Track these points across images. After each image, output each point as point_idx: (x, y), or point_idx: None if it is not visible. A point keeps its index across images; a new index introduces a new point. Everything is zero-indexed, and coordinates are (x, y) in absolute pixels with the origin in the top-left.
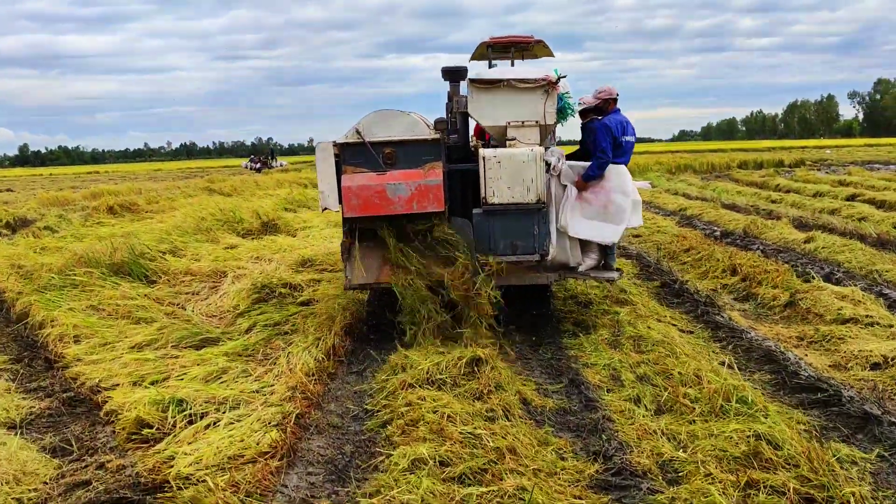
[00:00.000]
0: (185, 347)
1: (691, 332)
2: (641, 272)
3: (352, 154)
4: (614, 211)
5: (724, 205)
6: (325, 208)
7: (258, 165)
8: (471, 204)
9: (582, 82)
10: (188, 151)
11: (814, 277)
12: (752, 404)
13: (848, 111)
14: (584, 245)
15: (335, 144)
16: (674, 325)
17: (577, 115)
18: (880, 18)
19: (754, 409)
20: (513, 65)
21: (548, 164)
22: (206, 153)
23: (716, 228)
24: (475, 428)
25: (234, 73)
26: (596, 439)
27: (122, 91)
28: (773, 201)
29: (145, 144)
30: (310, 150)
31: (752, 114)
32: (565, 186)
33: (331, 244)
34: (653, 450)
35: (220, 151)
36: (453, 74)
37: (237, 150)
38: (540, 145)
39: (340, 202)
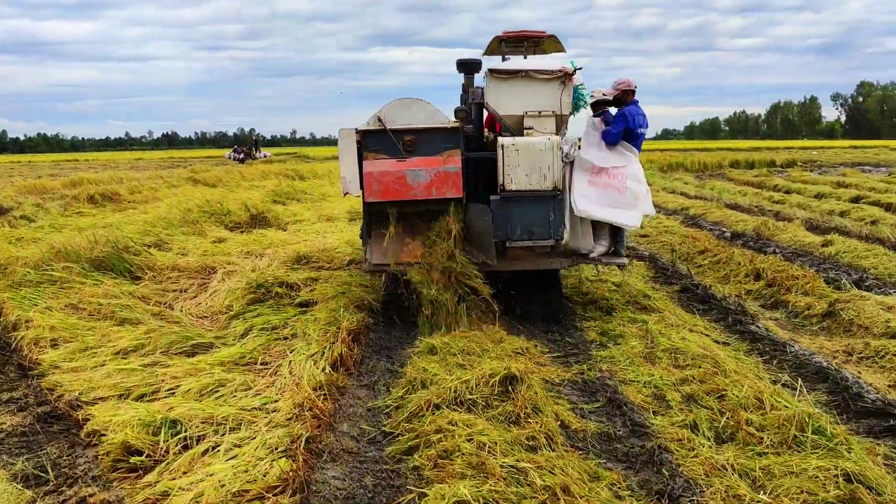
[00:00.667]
0: (176, 354)
1: (727, 344)
2: (658, 275)
3: (373, 141)
4: (630, 196)
5: (728, 205)
6: (347, 193)
7: (241, 156)
8: (485, 191)
9: None
10: (170, 141)
11: (847, 285)
12: (830, 436)
13: (830, 113)
14: (596, 233)
15: (357, 131)
16: (706, 335)
17: (588, 108)
18: (863, 21)
19: (833, 441)
20: (525, 58)
21: (563, 153)
22: (188, 143)
23: (724, 229)
24: (518, 460)
25: (217, 64)
26: (654, 473)
27: (103, 79)
28: (777, 202)
29: (126, 133)
30: (292, 141)
31: (735, 114)
32: (575, 169)
33: (325, 239)
34: (727, 490)
35: (203, 142)
36: (468, 67)
37: (220, 140)
38: (556, 134)
39: (362, 187)
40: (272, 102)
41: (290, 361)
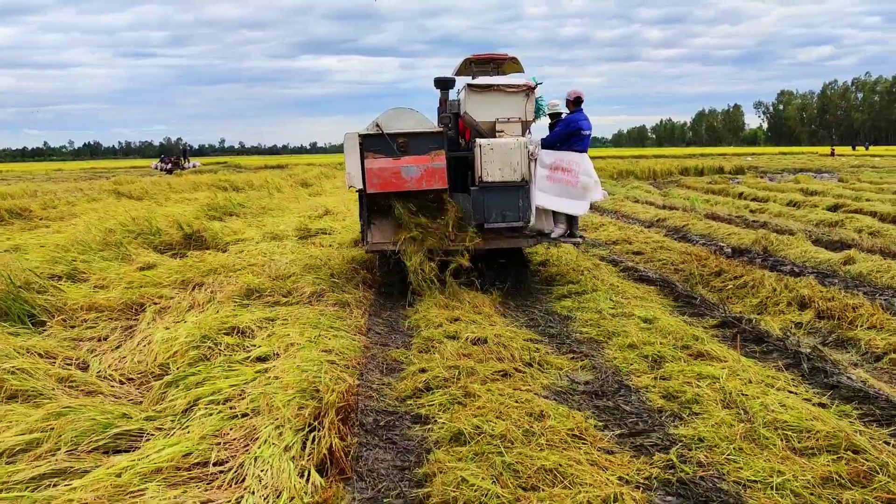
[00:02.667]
0: (90, 452)
1: (824, 406)
2: (682, 305)
3: (372, 143)
4: (581, 189)
5: (707, 215)
6: (351, 186)
7: (169, 166)
8: (464, 184)
9: None
10: (92, 151)
11: None
12: None
13: (753, 120)
14: (556, 217)
15: (359, 135)
16: (791, 391)
17: (546, 116)
18: (777, 33)
19: None
20: (492, 76)
21: (528, 151)
22: (111, 153)
23: (721, 243)
24: None
25: (142, 71)
26: None
27: (20, 86)
28: (754, 211)
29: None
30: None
31: (661, 122)
32: (537, 166)
33: (276, 264)
34: None
35: (127, 151)
36: (444, 84)
37: (145, 150)
38: (522, 136)
39: (364, 181)
40: (199, 111)
41: (257, 458)
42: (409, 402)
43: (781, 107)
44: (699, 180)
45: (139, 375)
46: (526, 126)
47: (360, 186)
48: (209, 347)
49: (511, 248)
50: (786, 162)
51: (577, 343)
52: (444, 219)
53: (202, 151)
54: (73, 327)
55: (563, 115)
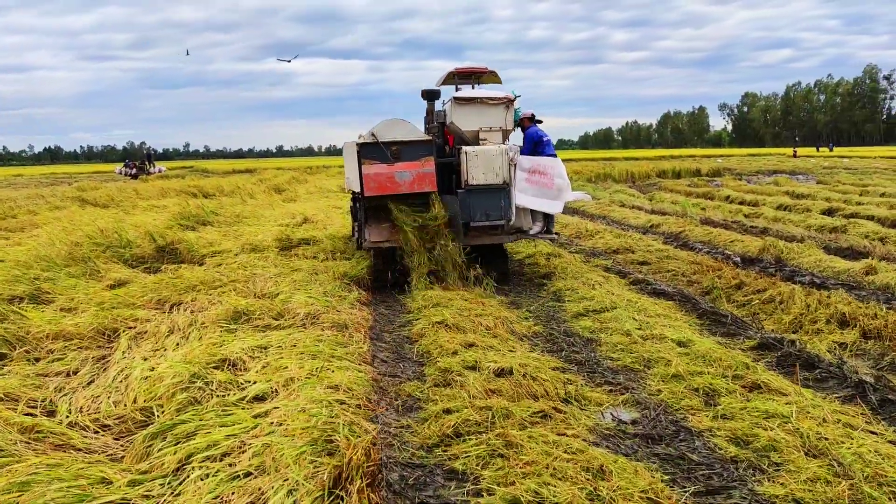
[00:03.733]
0: None
1: None
2: (711, 323)
3: (369, 151)
4: (556, 190)
5: (703, 220)
6: (350, 189)
7: (134, 171)
8: (450, 186)
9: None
10: (53, 156)
11: None
12: None
13: (717, 122)
14: (533, 216)
15: (357, 144)
16: (872, 431)
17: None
18: (738, 37)
19: None
20: (473, 88)
21: (509, 157)
22: (72, 157)
23: (726, 252)
24: None
25: (104, 74)
26: None
27: None
28: (747, 216)
29: (3, 148)
30: (185, 154)
31: (627, 124)
32: (517, 170)
33: (262, 280)
34: None
35: (89, 156)
36: (431, 95)
37: (108, 154)
38: (503, 144)
39: (361, 185)
40: (163, 114)
41: None
42: (437, 452)
43: (746, 109)
44: (679, 183)
45: (117, 422)
46: (506, 134)
47: (359, 190)
48: (199, 387)
49: (494, 244)
50: (757, 163)
51: (612, 372)
52: (434, 218)
53: (166, 155)
54: (37, 360)
55: (521, 126)
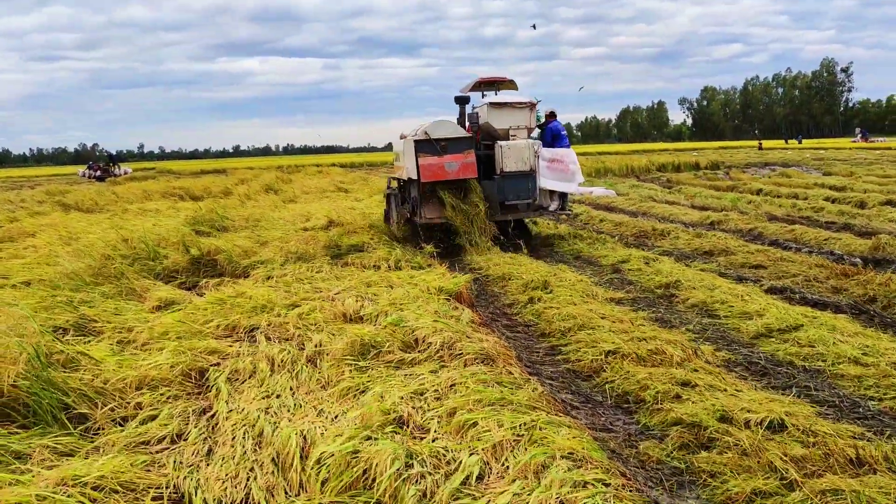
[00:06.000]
0: None
1: None
2: None
3: (423, 146)
4: (570, 174)
5: (770, 217)
6: (409, 178)
7: (98, 173)
8: (485, 174)
9: (422, 87)
10: (1, 159)
11: None
12: None
13: (676, 116)
14: (552, 196)
15: (414, 141)
16: None
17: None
18: (690, 33)
19: None
20: (496, 94)
21: (534, 150)
22: (22, 161)
23: (832, 251)
24: None
25: (52, 76)
26: None
27: None
28: (817, 210)
29: None
30: (140, 155)
31: (587, 119)
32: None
33: (327, 291)
34: None
35: (39, 159)
36: (462, 100)
37: (59, 156)
38: (529, 138)
39: (418, 173)
40: (115, 115)
41: None
42: None
43: (705, 102)
44: (687, 177)
45: None
46: (530, 131)
47: (415, 177)
48: (402, 465)
49: (520, 219)
50: (737, 156)
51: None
52: (476, 199)
53: (121, 157)
54: (124, 419)
55: (543, 122)
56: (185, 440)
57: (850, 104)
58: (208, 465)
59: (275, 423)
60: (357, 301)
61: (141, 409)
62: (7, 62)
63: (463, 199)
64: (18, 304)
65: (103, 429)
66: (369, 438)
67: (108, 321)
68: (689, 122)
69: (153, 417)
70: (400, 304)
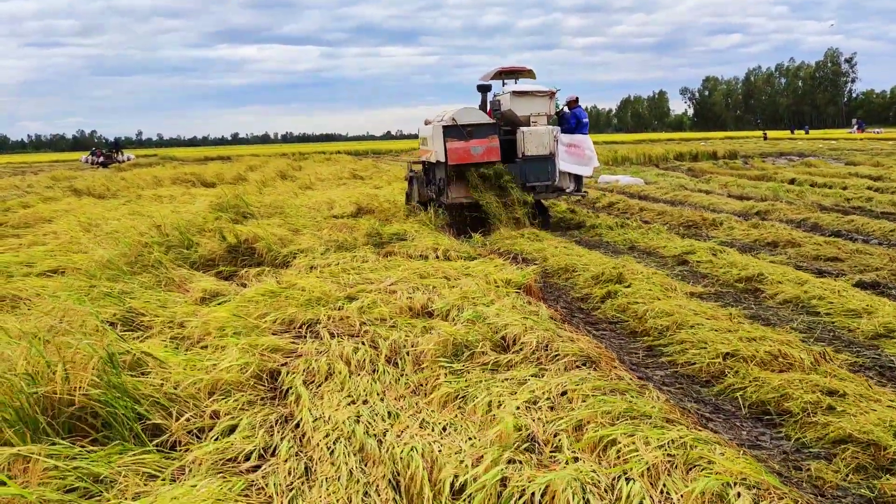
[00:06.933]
0: None
1: None
2: None
3: (450, 131)
4: (587, 158)
5: (822, 207)
6: (437, 160)
7: (101, 159)
8: (507, 157)
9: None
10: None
11: None
12: None
13: (678, 106)
14: (568, 178)
15: (443, 127)
16: None
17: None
18: (690, 22)
19: None
20: (516, 83)
21: (554, 135)
22: (20, 147)
23: None
24: None
25: (50, 62)
26: None
27: None
28: (847, 199)
29: None
30: (139, 143)
31: (587, 109)
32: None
33: (383, 282)
34: None
35: (37, 145)
36: (484, 88)
37: (57, 143)
38: (548, 125)
39: (446, 156)
40: (113, 102)
41: None
42: None
43: (707, 93)
44: (708, 165)
45: None
46: (549, 118)
47: (443, 160)
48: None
49: (540, 199)
50: (749, 146)
51: None
52: (501, 180)
53: (118, 144)
54: (201, 431)
55: (563, 110)
56: (274, 456)
57: (854, 95)
58: (311, 487)
59: (375, 435)
60: (423, 294)
61: (218, 417)
62: (4, 48)
63: (488, 181)
64: (61, 295)
65: (181, 442)
66: (512, 462)
67: (156, 315)
68: (691, 112)
69: (233, 428)
70: (473, 299)
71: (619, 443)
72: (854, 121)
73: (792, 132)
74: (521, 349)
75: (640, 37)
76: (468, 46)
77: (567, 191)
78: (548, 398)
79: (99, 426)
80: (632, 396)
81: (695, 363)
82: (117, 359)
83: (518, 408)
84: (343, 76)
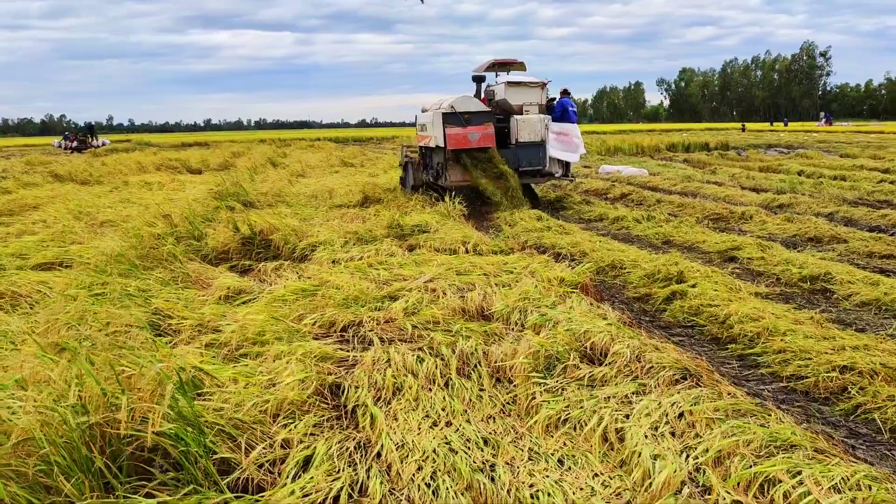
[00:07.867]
0: None
1: None
2: None
3: (449, 118)
4: (574, 146)
5: (852, 202)
6: (437, 145)
7: (75, 144)
8: (501, 143)
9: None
10: None
11: None
12: None
13: (653, 97)
14: (557, 163)
15: (442, 113)
16: None
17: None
18: (665, 14)
19: None
20: (508, 74)
21: (545, 123)
22: None
23: None
24: None
25: (18, 45)
26: None
27: None
28: (870, 192)
29: None
30: (109, 128)
31: (574, 100)
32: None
33: (421, 277)
34: None
35: (4, 129)
36: (479, 79)
37: (25, 127)
38: (539, 113)
39: (445, 142)
40: (83, 87)
41: None
42: None
43: (684, 84)
44: (703, 156)
45: None
46: (541, 108)
47: (442, 145)
48: None
49: (531, 183)
50: (733, 138)
51: None
52: (495, 165)
53: (89, 130)
54: (272, 464)
55: (556, 99)
56: (365, 495)
57: (829, 88)
58: None
59: (481, 469)
60: (478, 293)
61: (289, 446)
62: None
63: (485, 166)
64: (78, 296)
65: (252, 480)
66: None
67: (184, 317)
68: (667, 103)
69: (308, 459)
70: (534, 300)
71: (781, 481)
72: (822, 114)
73: (771, 124)
74: (613, 361)
75: (616, 28)
76: (445, 35)
77: (556, 175)
78: (666, 422)
79: (167, 466)
80: (762, 420)
81: (806, 377)
82: (190, 385)
83: (646, 436)
84: (316, 63)
